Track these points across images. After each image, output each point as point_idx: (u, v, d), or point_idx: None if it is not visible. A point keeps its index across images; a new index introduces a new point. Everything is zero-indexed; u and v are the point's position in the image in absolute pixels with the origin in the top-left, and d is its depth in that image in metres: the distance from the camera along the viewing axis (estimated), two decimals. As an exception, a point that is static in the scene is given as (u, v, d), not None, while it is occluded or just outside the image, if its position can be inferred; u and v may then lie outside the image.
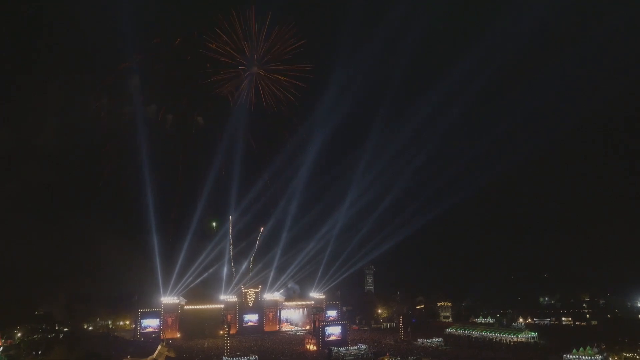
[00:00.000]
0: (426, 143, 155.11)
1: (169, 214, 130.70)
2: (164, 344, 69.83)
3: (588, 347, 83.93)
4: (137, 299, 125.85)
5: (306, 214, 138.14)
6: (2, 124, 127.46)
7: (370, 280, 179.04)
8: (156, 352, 69.09)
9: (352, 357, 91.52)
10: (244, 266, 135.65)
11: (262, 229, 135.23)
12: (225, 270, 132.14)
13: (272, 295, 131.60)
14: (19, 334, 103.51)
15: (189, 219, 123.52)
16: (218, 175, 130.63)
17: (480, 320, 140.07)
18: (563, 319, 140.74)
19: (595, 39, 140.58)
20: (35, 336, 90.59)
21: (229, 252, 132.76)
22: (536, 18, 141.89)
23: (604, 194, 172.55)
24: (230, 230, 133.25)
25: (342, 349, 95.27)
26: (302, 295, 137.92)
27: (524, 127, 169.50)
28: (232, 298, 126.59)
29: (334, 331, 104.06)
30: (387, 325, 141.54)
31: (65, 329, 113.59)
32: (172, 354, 70.04)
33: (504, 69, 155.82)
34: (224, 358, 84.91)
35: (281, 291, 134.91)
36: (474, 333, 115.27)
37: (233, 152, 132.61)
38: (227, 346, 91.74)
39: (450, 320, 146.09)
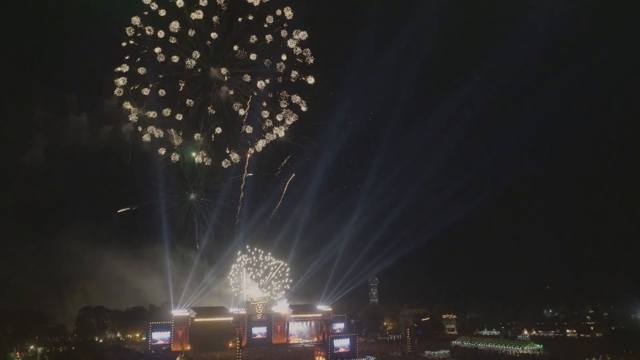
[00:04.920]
0: (431, 158, 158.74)
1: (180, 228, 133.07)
2: (183, 355, 71.80)
3: (594, 359, 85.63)
4: (148, 312, 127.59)
5: (314, 229, 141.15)
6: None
7: (374, 293, 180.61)
8: (175, 363, 71.10)
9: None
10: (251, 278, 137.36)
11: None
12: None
13: (280, 308, 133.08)
14: (32, 347, 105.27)
15: (200, 235, 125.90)
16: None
17: (485, 332, 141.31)
18: (567, 331, 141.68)
19: (604, 50, 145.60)
20: (58, 348, 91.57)
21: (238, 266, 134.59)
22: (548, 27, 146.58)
23: (607, 206, 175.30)
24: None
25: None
26: (304, 309, 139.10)
27: (529, 141, 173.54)
28: (242, 311, 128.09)
29: (342, 343, 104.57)
30: (393, 337, 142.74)
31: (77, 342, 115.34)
32: (189, 366, 72.02)
33: (507, 85, 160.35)
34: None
35: (288, 305, 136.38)
36: (481, 345, 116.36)
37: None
38: (238, 358, 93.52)
39: (455, 332, 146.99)
